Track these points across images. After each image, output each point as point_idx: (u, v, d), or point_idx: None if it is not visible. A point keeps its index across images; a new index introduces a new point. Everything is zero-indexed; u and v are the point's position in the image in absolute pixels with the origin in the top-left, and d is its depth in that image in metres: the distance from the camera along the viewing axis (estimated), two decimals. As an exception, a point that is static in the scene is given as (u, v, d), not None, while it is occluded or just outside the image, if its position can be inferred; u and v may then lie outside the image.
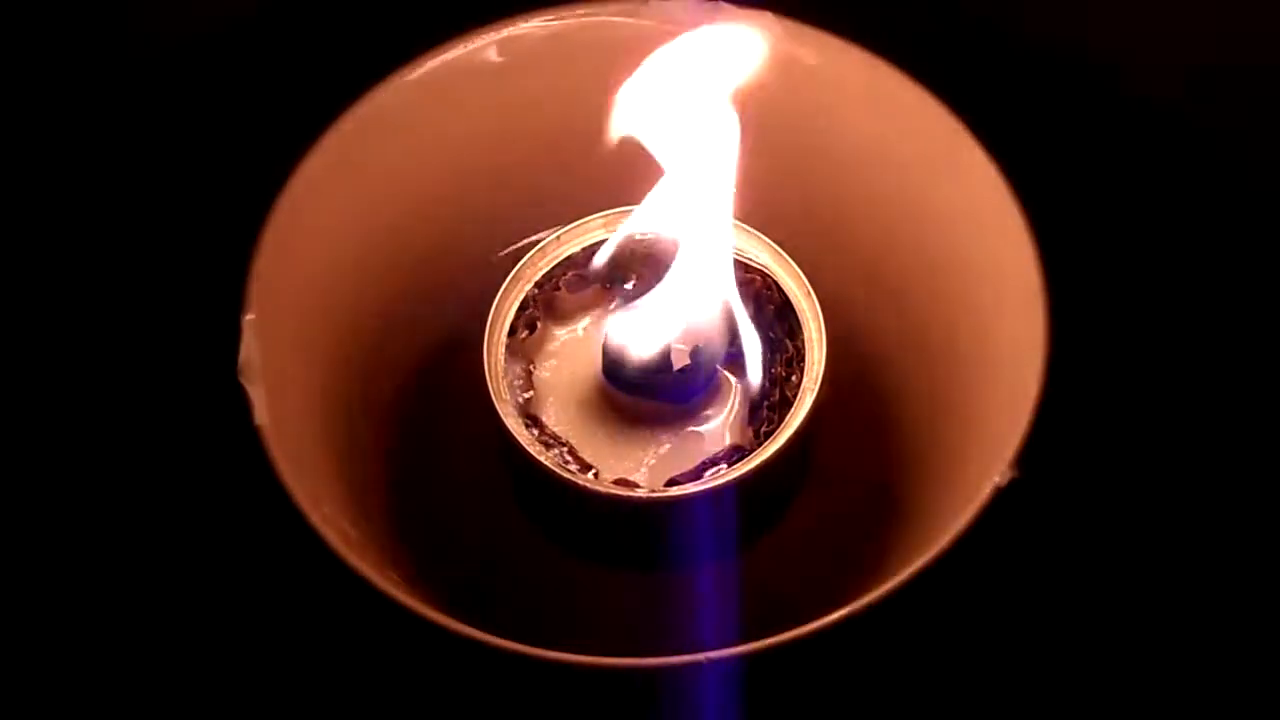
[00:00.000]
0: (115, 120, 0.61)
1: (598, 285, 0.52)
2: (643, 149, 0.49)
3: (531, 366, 0.51)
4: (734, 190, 0.49)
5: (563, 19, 0.53)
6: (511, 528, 0.52)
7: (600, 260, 0.51)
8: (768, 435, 0.48)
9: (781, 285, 0.50)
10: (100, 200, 0.59)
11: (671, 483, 0.48)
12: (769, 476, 0.48)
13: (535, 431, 0.49)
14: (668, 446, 0.50)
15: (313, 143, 0.51)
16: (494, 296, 0.50)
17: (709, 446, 0.49)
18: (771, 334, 0.50)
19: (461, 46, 0.53)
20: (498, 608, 0.48)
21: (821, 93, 0.53)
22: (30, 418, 0.56)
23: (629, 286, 0.51)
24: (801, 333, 0.49)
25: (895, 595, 0.44)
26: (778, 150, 0.52)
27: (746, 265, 0.50)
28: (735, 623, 0.47)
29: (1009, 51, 0.62)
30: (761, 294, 0.50)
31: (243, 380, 0.47)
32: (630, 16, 0.53)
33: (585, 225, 0.51)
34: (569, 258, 0.51)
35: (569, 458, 0.49)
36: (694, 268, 0.49)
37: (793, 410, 0.48)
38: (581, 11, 0.53)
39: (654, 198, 0.49)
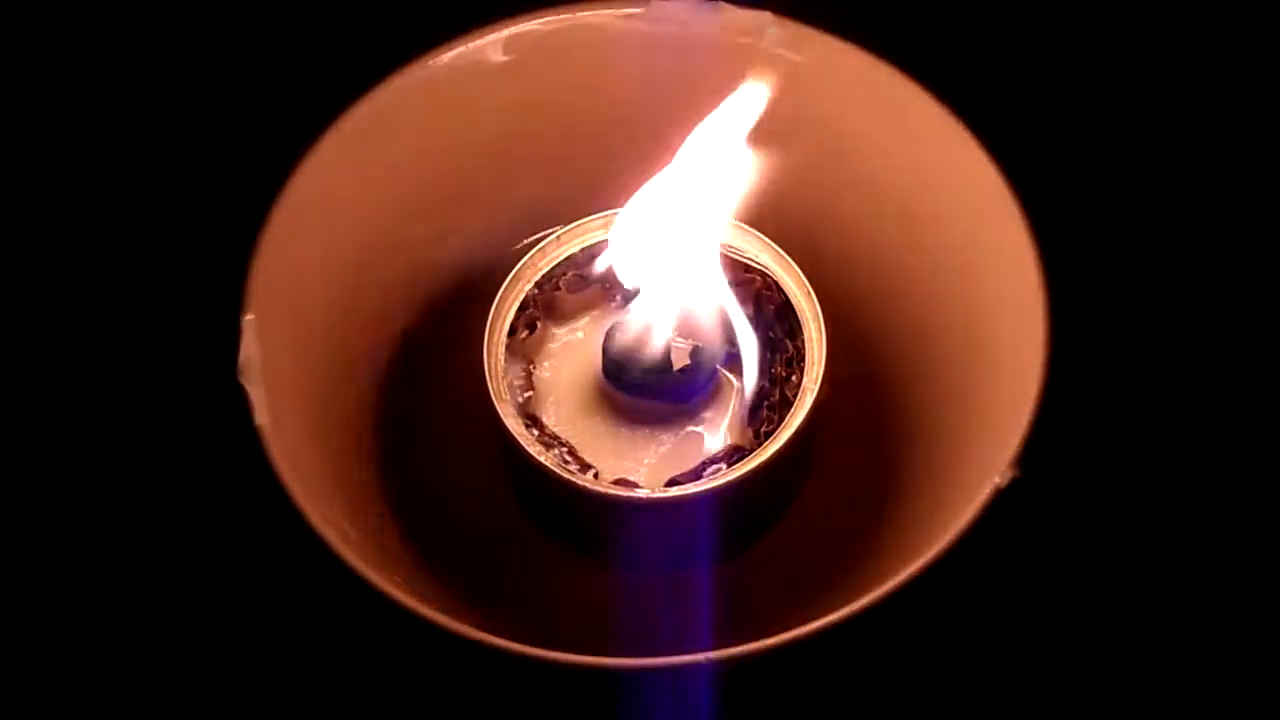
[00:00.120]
0: (115, 120, 0.61)
1: (598, 285, 0.52)
2: (643, 149, 0.50)
3: (531, 366, 0.51)
4: (739, 194, 0.49)
5: (563, 19, 0.53)
6: (511, 527, 0.52)
7: (601, 266, 0.51)
8: (768, 435, 0.48)
9: (781, 285, 0.50)
10: (100, 200, 0.59)
11: (671, 483, 0.48)
12: (769, 476, 0.48)
13: (535, 431, 0.49)
14: (668, 446, 0.50)
15: (313, 143, 0.51)
16: (494, 297, 0.50)
17: (709, 446, 0.49)
18: (771, 334, 0.50)
19: (461, 46, 0.53)
20: (497, 607, 0.48)
21: (821, 93, 0.53)
22: (30, 418, 0.56)
23: (629, 287, 0.51)
24: (801, 333, 0.49)
25: (895, 595, 0.44)
26: (778, 150, 0.52)
27: (746, 265, 0.50)
28: (735, 623, 0.47)
29: (1009, 51, 0.62)
30: (761, 294, 0.50)
31: (243, 380, 0.47)
32: (630, 16, 0.53)
33: (585, 225, 0.51)
34: (569, 258, 0.51)
35: (569, 458, 0.49)
36: (693, 268, 0.49)
37: (793, 410, 0.48)
38: (581, 11, 0.53)
39: (645, 196, 0.49)
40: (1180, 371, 0.56)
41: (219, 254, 0.50)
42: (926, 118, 0.51)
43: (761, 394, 0.50)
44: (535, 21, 0.53)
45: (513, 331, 0.50)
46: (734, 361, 0.50)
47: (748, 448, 0.48)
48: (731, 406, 0.50)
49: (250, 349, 0.47)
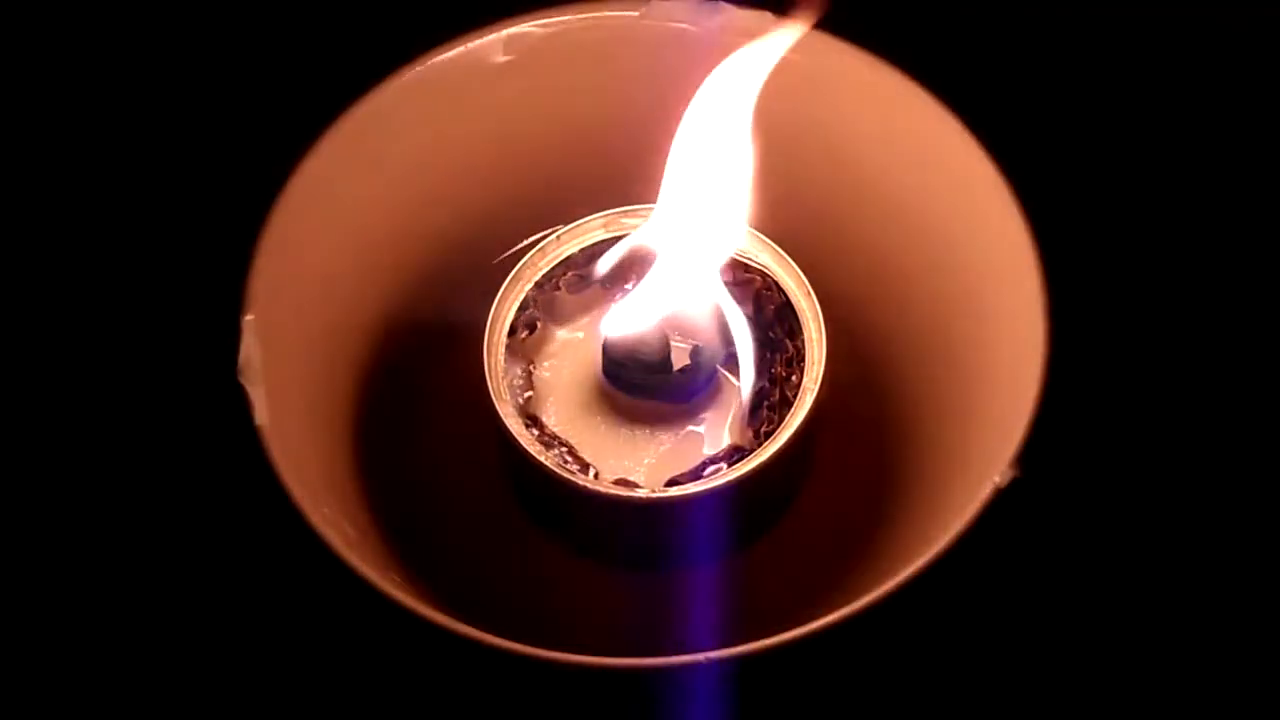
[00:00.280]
0: (115, 120, 0.61)
1: (598, 285, 0.52)
2: (643, 149, 0.50)
3: (531, 366, 0.51)
4: (749, 197, 0.49)
5: (563, 19, 0.53)
6: (511, 527, 0.52)
7: (604, 268, 0.51)
8: (768, 435, 0.48)
9: (781, 285, 0.50)
10: (100, 200, 0.59)
11: (671, 483, 0.48)
12: (769, 476, 0.48)
13: (535, 431, 0.49)
14: (668, 446, 0.50)
15: (313, 142, 0.51)
16: (494, 296, 0.50)
17: (709, 446, 0.49)
18: (771, 334, 0.50)
19: (462, 46, 0.53)
20: (497, 608, 0.48)
21: (821, 93, 0.53)
22: (31, 418, 0.56)
23: (629, 287, 0.51)
24: (801, 333, 0.49)
25: (895, 595, 0.44)
26: (778, 150, 0.52)
27: (746, 265, 0.50)
28: (735, 623, 0.47)
29: (1009, 51, 0.62)
30: (761, 294, 0.50)
31: (243, 380, 0.47)
32: (630, 17, 0.53)
33: (585, 225, 0.51)
34: (569, 258, 0.51)
35: (569, 458, 0.49)
36: (692, 268, 0.49)
37: (793, 410, 0.48)
38: (581, 11, 0.53)
39: (662, 207, 0.49)
40: (1180, 371, 0.56)
41: (219, 254, 0.50)
42: (926, 118, 0.51)
43: (761, 394, 0.50)
44: (535, 21, 0.53)
45: (513, 331, 0.50)
46: (734, 361, 0.50)
47: (748, 448, 0.48)
48: (731, 406, 0.50)
49: (250, 349, 0.47)
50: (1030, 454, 0.45)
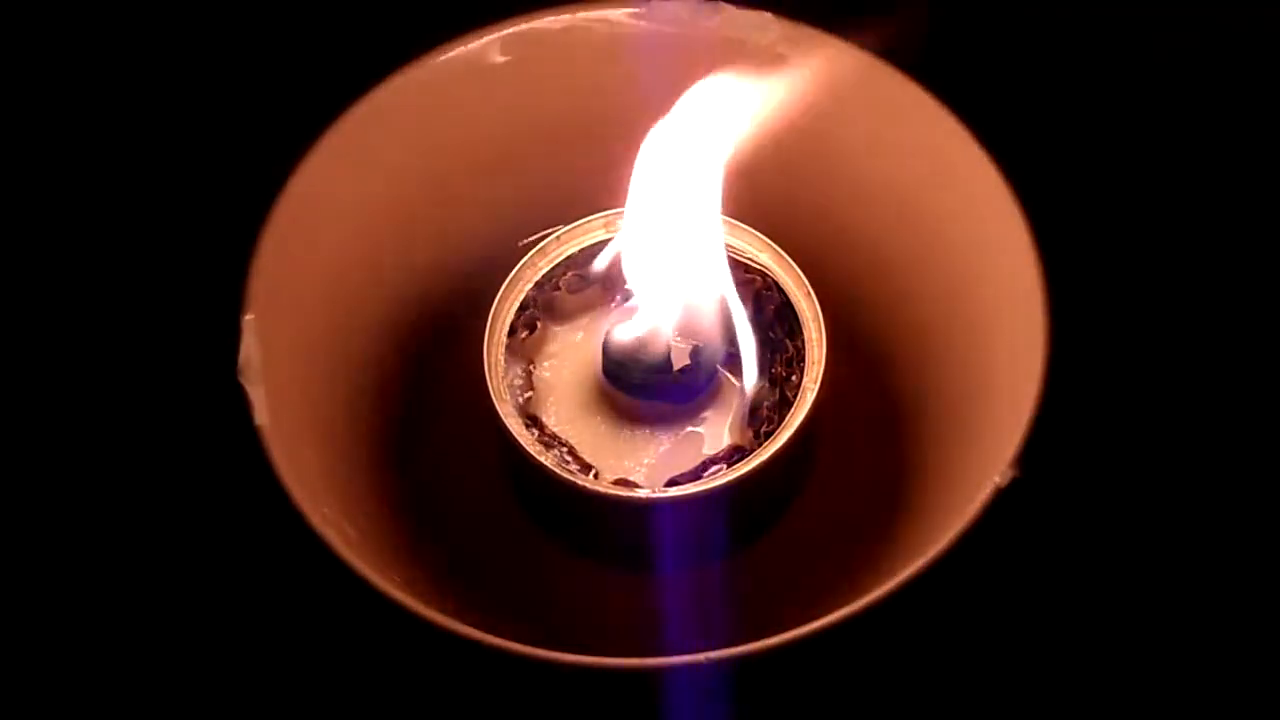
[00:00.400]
0: (116, 120, 0.61)
1: (598, 285, 0.52)
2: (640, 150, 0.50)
3: (531, 366, 0.51)
4: (720, 188, 0.49)
5: (562, 19, 0.53)
6: (511, 527, 0.52)
7: (600, 266, 0.51)
8: (768, 435, 0.48)
9: (781, 285, 0.50)
10: (100, 200, 0.59)
11: (671, 483, 0.48)
12: (769, 476, 0.48)
13: (535, 431, 0.49)
14: (667, 446, 0.50)
15: (313, 142, 0.51)
16: (494, 297, 0.50)
17: (709, 446, 0.49)
18: (771, 334, 0.50)
19: (462, 46, 0.53)
20: (497, 607, 0.48)
21: (821, 93, 0.53)
22: (31, 418, 0.56)
23: (629, 286, 0.51)
24: (801, 333, 0.49)
25: (895, 595, 0.44)
26: (777, 150, 0.52)
27: (746, 265, 0.50)
28: (735, 623, 0.47)
29: (1009, 52, 0.62)
30: (761, 294, 0.50)
31: (243, 380, 0.47)
32: (630, 16, 0.53)
33: (585, 225, 0.51)
34: (569, 258, 0.51)
35: (569, 458, 0.49)
36: (692, 268, 0.49)
37: (793, 410, 0.48)
38: (581, 11, 0.53)
39: (639, 199, 0.49)
40: (1180, 371, 0.56)
41: (219, 254, 0.50)
42: (926, 118, 0.51)
43: (761, 394, 0.50)
44: (535, 21, 0.53)
45: (513, 331, 0.50)
46: (734, 361, 0.50)
47: (748, 448, 0.48)
48: (732, 406, 0.50)
49: (250, 349, 0.47)
50: (1030, 454, 0.45)
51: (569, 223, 0.51)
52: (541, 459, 0.47)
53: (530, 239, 0.52)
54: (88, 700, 0.52)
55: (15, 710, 0.52)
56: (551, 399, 0.51)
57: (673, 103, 0.49)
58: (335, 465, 0.50)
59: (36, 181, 0.60)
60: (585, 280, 0.51)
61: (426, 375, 0.54)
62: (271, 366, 0.47)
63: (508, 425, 0.48)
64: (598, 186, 0.52)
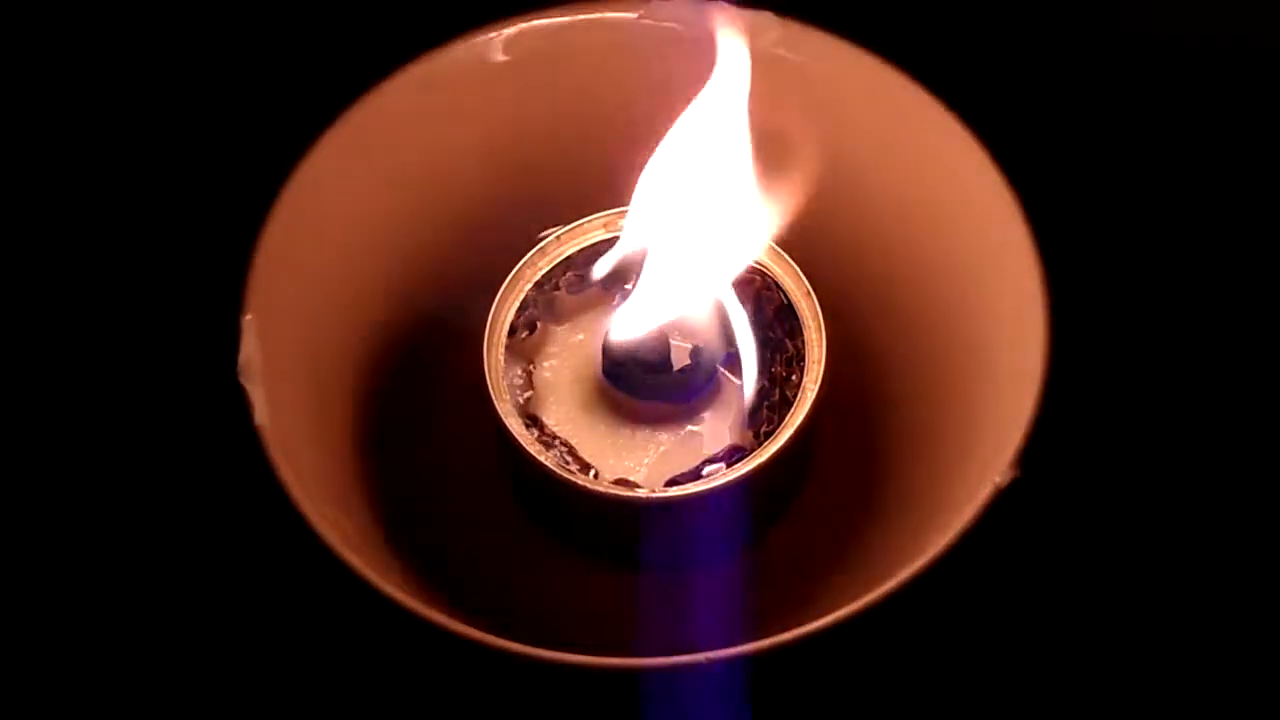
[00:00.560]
0: (116, 120, 0.61)
1: (598, 285, 0.52)
2: (643, 149, 0.49)
3: (531, 366, 0.51)
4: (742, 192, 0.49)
5: (563, 19, 0.53)
6: (511, 527, 0.52)
7: (600, 271, 0.51)
8: (768, 435, 0.48)
9: (781, 285, 0.50)
10: (100, 200, 0.59)
11: (671, 483, 0.48)
12: (769, 476, 0.48)
13: (535, 431, 0.49)
14: (668, 446, 0.50)
15: (313, 142, 0.51)
16: (494, 297, 0.50)
17: (709, 446, 0.49)
18: (771, 334, 0.50)
19: (462, 46, 0.53)
20: (497, 607, 0.48)
21: (821, 93, 0.53)
22: (31, 418, 0.56)
23: (629, 287, 0.51)
24: (801, 333, 0.49)
25: (896, 595, 0.44)
26: (778, 151, 0.52)
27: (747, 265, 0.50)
28: (735, 622, 0.47)
29: (1009, 52, 0.62)
30: (761, 294, 0.50)
31: (243, 380, 0.47)
32: (630, 17, 0.53)
33: (585, 225, 0.51)
34: (569, 258, 0.51)
35: (569, 458, 0.49)
36: (692, 268, 0.49)
37: (793, 410, 0.48)
38: (581, 11, 0.53)
39: (641, 201, 0.49)
40: (1180, 372, 0.56)
41: (219, 254, 0.50)
42: (927, 118, 0.51)
43: (761, 394, 0.50)
44: (535, 21, 0.53)
45: (513, 331, 0.50)
46: (734, 361, 0.50)
47: (748, 448, 0.48)
48: (731, 406, 0.50)
49: (250, 349, 0.47)
50: (1030, 454, 0.45)
51: (569, 223, 0.51)
52: (541, 459, 0.47)
53: (530, 239, 0.52)
54: (88, 700, 0.52)
55: (15, 710, 0.52)
56: (551, 399, 0.51)
57: (672, 102, 0.49)
58: (335, 465, 0.50)
59: (37, 182, 0.60)
60: (585, 280, 0.51)
61: (426, 375, 0.54)
62: (271, 366, 0.47)
63: (508, 425, 0.48)
64: (598, 186, 0.52)
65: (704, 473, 0.48)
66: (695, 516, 0.47)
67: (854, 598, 0.44)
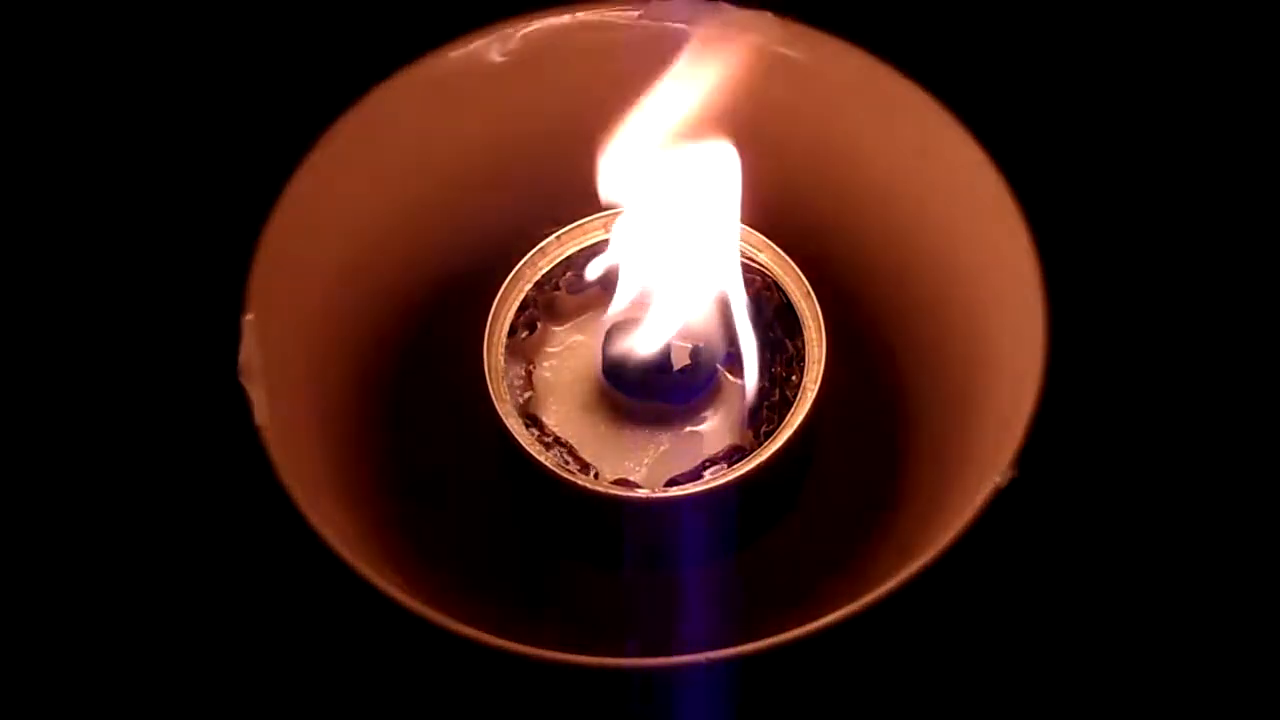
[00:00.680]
0: (116, 121, 0.61)
1: (598, 285, 0.52)
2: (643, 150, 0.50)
3: (531, 366, 0.51)
4: (739, 203, 0.49)
5: (563, 19, 0.53)
6: (511, 527, 0.52)
7: (594, 274, 0.51)
8: (768, 435, 0.48)
9: (781, 285, 0.50)
10: (100, 200, 0.59)
11: (671, 483, 0.48)
12: (769, 476, 0.48)
13: (535, 431, 0.49)
14: (667, 446, 0.50)
15: (313, 143, 0.51)
16: (493, 297, 0.50)
17: (709, 446, 0.49)
18: (771, 334, 0.50)
19: (461, 46, 0.53)
20: (497, 608, 0.48)
21: (821, 93, 0.53)
22: (31, 418, 0.56)
23: (629, 286, 0.51)
24: (801, 333, 0.50)
25: (896, 595, 0.44)
26: (777, 150, 0.52)
27: (746, 265, 0.50)
28: (735, 623, 0.47)
29: (1009, 51, 0.62)
30: (761, 294, 0.50)
31: (243, 380, 0.47)
32: (630, 17, 0.53)
33: (585, 225, 0.51)
34: (569, 258, 0.51)
35: (569, 458, 0.49)
36: (693, 268, 0.49)
37: (793, 410, 0.48)
38: (581, 11, 0.53)
39: (642, 199, 0.50)
40: (1180, 372, 0.56)
41: (219, 254, 0.50)
42: (927, 118, 0.51)
43: (761, 394, 0.50)
44: (535, 21, 0.54)
45: (513, 331, 0.50)
46: (734, 361, 0.50)
47: (748, 448, 0.48)
48: (732, 407, 0.50)
49: (250, 349, 0.48)
50: (1030, 454, 0.45)
51: (569, 223, 0.51)
52: (541, 459, 0.48)
53: (530, 239, 0.52)
54: (88, 700, 0.52)
55: (15, 710, 0.52)
56: (551, 399, 0.51)
57: (672, 103, 0.49)
58: (335, 465, 0.50)
59: (38, 183, 0.60)
60: (585, 280, 0.51)
61: (426, 375, 0.54)
62: (271, 366, 0.48)
63: (508, 425, 0.48)
64: (598, 186, 0.52)
65: (704, 473, 0.48)
66: (695, 516, 0.47)
67: (853, 598, 0.44)
